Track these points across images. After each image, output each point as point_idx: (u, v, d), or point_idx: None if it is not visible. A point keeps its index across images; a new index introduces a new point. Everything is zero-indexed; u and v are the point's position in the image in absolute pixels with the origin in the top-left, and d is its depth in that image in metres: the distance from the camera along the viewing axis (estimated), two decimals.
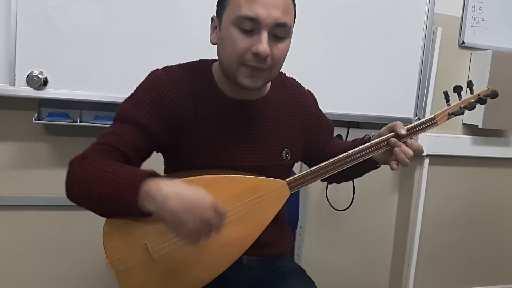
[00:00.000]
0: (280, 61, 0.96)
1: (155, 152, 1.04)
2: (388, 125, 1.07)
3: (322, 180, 1.18)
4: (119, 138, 0.92)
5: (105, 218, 0.90)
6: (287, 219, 1.22)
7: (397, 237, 2.24)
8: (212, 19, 0.99)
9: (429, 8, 1.92)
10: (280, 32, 0.91)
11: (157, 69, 1.01)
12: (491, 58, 2.00)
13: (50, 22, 1.47)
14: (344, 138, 1.95)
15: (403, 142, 1.04)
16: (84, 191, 0.85)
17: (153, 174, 0.84)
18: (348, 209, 2.00)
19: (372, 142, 1.04)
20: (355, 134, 1.98)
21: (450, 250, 2.29)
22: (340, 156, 1.01)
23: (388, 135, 1.05)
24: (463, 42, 2.08)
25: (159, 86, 0.97)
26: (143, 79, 1.00)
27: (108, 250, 0.89)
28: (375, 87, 1.90)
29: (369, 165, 1.12)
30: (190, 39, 1.60)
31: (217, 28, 0.96)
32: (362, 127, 2.00)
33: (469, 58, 2.12)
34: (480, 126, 2.06)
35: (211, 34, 0.99)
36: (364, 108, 1.89)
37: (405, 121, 1.93)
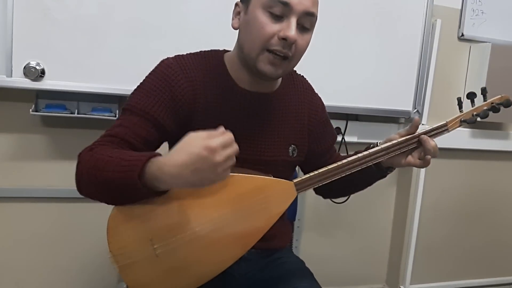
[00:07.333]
0: (302, 52, 0.96)
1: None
2: (398, 131, 1.07)
3: (316, 193, 1.21)
4: (127, 130, 0.91)
5: (108, 212, 0.89)
6: (286, 212, 1.22)
7: (395, 229, 2.25)
8: (237, 4, 0.98)
9: (428, 0, 1.91)
10: (307, 22, 0.93)
11: (168, 58, 1.00)
12: (490, 51, 1.99)
13: (47, 13, 1.46)
14: (342, 131, 1.95)
15: (413, 148, 1.05)
16: (92, 178, 0.85)
17: (155, 155, 0.82)
18: (346, 201, 2.00)
19: (382, 146, 1.02)
20: (353, 126, 1.98)
21: (447, 242, 2.30)
22: (350, 159, 0.99)
23: (407, 136, 1.04)
24: (463, 35, 2.07)
25: (169, 76, 0.96)
26: (153, 67, 0.99)
27: (111, 244, 0.89)
28: (374, 80, 1.89)
29: (376, 174, 1.12)
30: (189, 30, 1.59)
31: (241, 13, 0.96)
32: (360, 120, 2.00)
33: (468, 51, 2.11)
34: (478, 119, 2.06)
35: (232, 19, 0.99)
36: (363, 100, 1.89)
37: (404, 113, 1.95)
